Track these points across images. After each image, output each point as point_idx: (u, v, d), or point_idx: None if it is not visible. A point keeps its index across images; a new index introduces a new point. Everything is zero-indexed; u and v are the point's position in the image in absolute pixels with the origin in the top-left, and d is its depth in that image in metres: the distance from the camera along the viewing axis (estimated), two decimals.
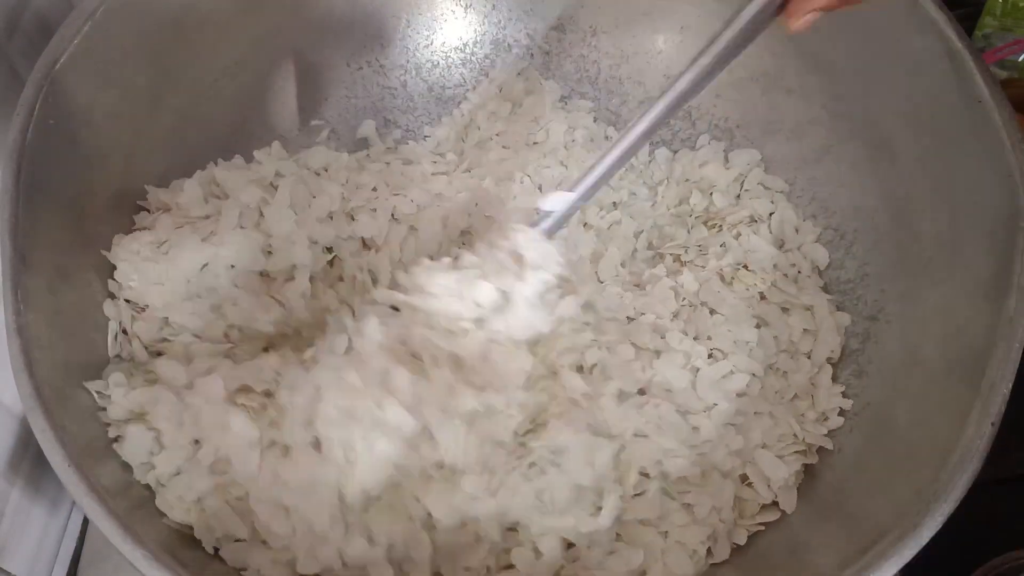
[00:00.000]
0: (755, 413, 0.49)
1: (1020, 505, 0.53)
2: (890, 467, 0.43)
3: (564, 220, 0.46)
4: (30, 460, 0.50)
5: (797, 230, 0.57)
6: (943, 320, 0.45)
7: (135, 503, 0.40)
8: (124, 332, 0.46)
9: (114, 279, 0.47)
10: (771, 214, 0.58)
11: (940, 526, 0.36)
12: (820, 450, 0.49)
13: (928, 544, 0.36)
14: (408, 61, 0.63)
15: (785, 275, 0.55)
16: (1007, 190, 0.43)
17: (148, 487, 0.42)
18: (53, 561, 0.52)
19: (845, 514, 0.43)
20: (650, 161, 0.62)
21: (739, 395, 0.50)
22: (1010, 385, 0.39)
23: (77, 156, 0.44)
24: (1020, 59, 0.64)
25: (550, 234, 0.46)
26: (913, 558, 0.36)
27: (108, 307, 0.46)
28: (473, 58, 0.64)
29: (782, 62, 0.57)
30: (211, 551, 0.41)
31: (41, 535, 0.51)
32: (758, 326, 0.53)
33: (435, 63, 0.64)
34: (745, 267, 0.55)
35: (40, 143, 0.41)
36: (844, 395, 0.50)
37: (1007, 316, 0.40)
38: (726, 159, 0.61)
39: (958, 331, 0.44)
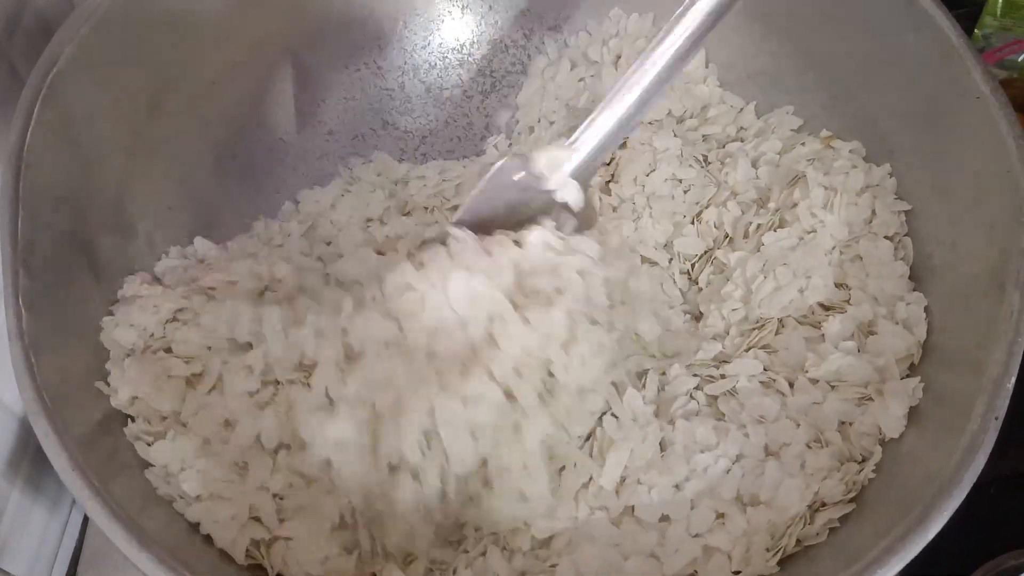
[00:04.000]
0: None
1: (1021, 504, 0.53)
2: (894, 463, 0.43)
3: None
4: (30, 460, 0.50)
5: None
6: (945, 315, 0.46)
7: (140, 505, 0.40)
8: None
9: None
10: None
11: (946, 521, 0.36)
12: None
13: (929, 542, 0.36)
14: (406, 63, 0.63)
15: None
16: (1007, 185, 0.43)
17: (152, 487, 0.41)
18: (53, 561, 0.52)
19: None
20: None
21: None
22: (1014, 379, 0.39)
23: (77, 158, 0.44)
24: (1020, 59, 0.64)
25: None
26: (914, 557, 0.36)
27: None
28: (470, 59, 0.64)
29: (779, 61, 0.57)
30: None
31: (41, 535, 0.51)
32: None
33: (432, 64, 0.64)
34: None
35: (40, 146, 0.41)
36: None
37: (1009, 311, 0.40)
38: None
39: (960, 326, 0.44)
